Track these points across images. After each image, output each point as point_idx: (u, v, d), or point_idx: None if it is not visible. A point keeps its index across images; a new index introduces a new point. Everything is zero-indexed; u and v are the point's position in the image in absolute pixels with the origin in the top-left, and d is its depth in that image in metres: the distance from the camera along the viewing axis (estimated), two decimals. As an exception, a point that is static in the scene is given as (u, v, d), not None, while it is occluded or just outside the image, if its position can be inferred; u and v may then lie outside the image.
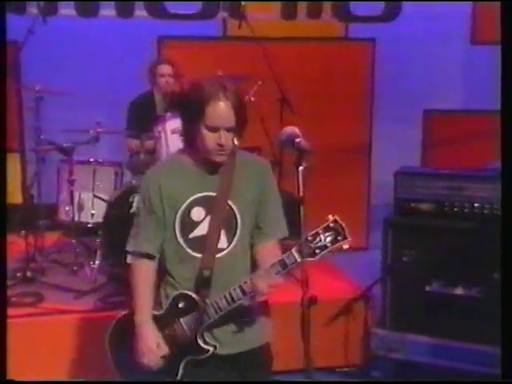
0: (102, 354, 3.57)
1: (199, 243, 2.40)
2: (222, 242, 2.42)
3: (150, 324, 2.45)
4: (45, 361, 3.86)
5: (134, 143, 4.69)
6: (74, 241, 4.67)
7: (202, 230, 2.41)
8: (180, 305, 2.44)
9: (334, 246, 2.22)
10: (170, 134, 4.38)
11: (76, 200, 4.64)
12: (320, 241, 2.22)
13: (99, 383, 3.13)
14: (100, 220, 4.54)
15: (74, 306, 4.06)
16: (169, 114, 4.49)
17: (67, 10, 5.38)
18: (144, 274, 2.49)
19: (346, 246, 2.23)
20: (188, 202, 2.40)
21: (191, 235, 2.41)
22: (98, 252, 4.44)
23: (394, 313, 3.86)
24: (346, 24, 5.76)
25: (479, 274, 3.80)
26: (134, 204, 4.24)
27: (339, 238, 2.23)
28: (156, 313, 2.48)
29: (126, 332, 2.53)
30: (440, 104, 5.91)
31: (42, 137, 4.60)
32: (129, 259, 2.53)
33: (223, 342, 2.44)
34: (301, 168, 2.09)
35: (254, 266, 2.47)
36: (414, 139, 5.88)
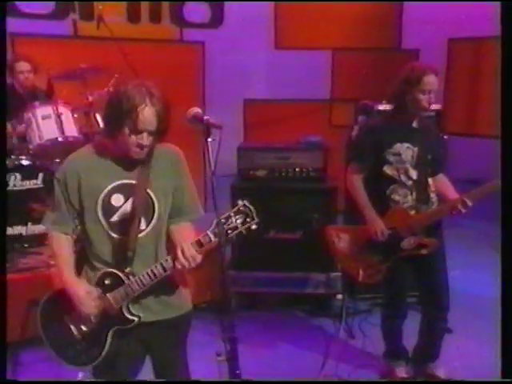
0: None
1: (120, 226, 2.25)
2: (142, 225, 2.27)
3: (76, 278, 2.29)
4: None
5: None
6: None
7: (121, 215, 2.25)
8: (106, 281, 2.28)
9: (243, 227, 2.12)
10: (41, 119, 4.21)
11: None
12: (232, 223, 2.11)
13: (101, 383, 2.72)
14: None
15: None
16: (37, 103, 4.28)
17: None
18: (63, 244, 2.33)
19: (254, 227, 2.15)
20: (108, 189, 2.23)
21: (112, 219, 2.25)
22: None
23: (241, 257, 4.02)
24: (180, 29, 5.76)
25: (301, 222, 4.03)
26: (10, 183, 4.02)
27: (248, 219, 2.13)
28: None
29: (52, 312, 2.38)
30: (255, 94, 6.14)
31: None
32: (49, 233, 2.35)
33: (151, 309, 2.32)
34: (209, 140, 2.09)
35: (171, 244, 2.32)
36: (238, 122, 6.05)
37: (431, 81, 3.04)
